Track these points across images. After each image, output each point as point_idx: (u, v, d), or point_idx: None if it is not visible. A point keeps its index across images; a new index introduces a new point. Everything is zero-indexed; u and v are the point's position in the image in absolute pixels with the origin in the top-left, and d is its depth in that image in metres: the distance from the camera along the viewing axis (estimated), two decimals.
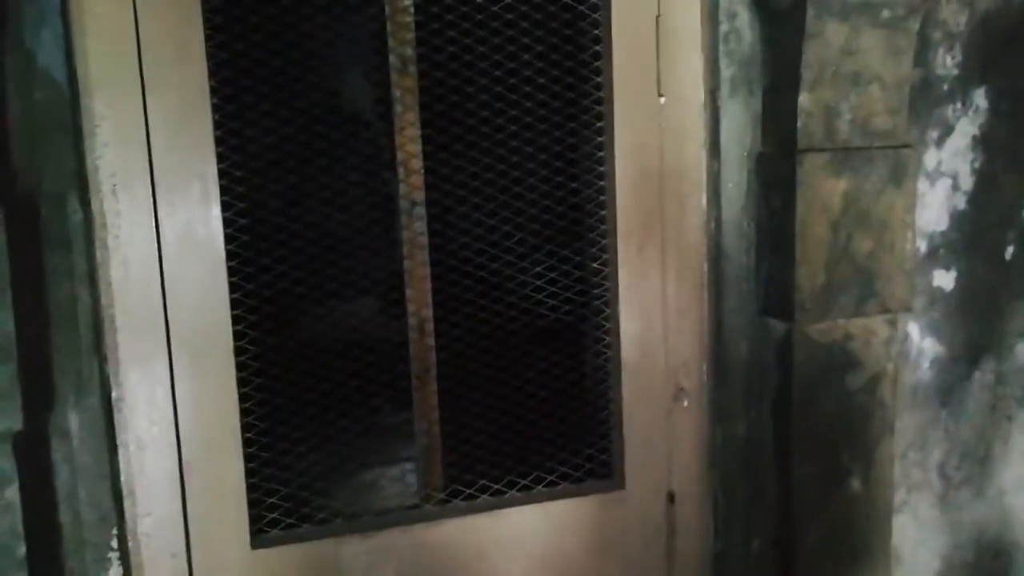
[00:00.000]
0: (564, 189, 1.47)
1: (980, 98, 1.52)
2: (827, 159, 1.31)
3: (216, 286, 1.23)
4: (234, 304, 1.25)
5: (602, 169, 1.42)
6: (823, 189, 1.31)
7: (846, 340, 1.37)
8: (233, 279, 1.25)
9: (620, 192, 1.40)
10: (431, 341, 1.40)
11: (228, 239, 1.24)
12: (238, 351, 1.25)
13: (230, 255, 1.24)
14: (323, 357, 1.43)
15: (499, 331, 1.48)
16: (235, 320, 1.25)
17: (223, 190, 1.22)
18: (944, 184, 1.52)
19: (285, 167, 1.40)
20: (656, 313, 1.44)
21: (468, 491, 1.41)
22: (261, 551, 1.26)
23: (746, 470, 1.46)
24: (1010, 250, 1.59)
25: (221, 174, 1.22)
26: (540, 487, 1.44)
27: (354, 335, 1.48)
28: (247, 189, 1.27)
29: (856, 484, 1.41)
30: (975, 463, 1.64)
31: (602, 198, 1.42)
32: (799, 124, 1.30)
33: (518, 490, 1.43)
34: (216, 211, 1.22)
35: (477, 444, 1.46)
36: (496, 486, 1.42)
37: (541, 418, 1.50)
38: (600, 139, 1.42)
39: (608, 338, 1.44)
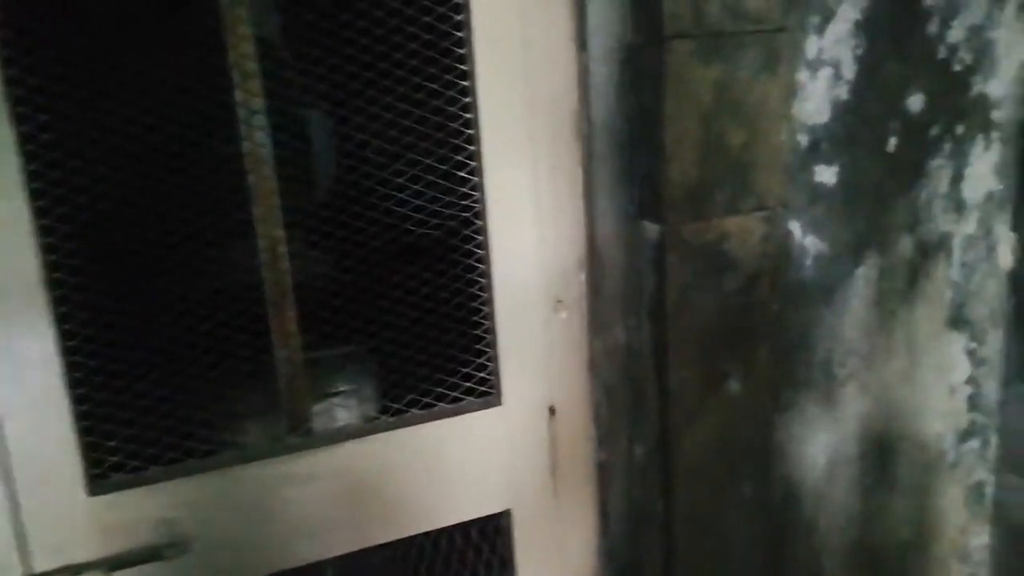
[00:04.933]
0: (423, 89, 1.34)
1: None
2: (696, 46, 1.21)
3: (15, 207, 1.08)
4: (44, 231, 1.10)
5: (464, 67, 1.30)
6: (693, 79, 1.23)
7: (721, 240, 1.32)
8: (40, 203, 1.10)
9: (483, 92, 1.29)
10: (285, 264, 1.29)
11: (28, 156, 1.08)
12: (53, 284, 1.12)
13: (32, 175, 1.09)
14: (163, 286, 1.30)
15: (362, 248, 1.38)
16: (46, 248, 1.11)
17: (17, 100, 1.06)
18: (826, 73, 1.45)
19: (92, 68, 1.23)
20: (529, 222, 1.36)
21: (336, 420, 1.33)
22: (101, 497, 1.17)
23: (626, 379, 1.42)
24: (892, 141, 1.55)
25: (8, 80, 1.05)
26: (415, 410, 1.37)
27: (198, 260, 1.35)
28: (47, 99, 1.11)
29: (735, 387, 1.39)
30: (860, 359, 1.65)
31: (466, 99, 1.31)
32: (665, 9, 1.19)
33: (391, 415, 1.36)
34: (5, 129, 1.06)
35: (344, 369, 1.38)
36: (367, 412, 1.34)
37: (413, 338, 1.42)
38: (460, 34, 1.29)
39: (480, 251, 1.36)
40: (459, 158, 1.34)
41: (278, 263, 1.28)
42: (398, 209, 1.35)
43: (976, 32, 1.55)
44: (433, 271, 1.37)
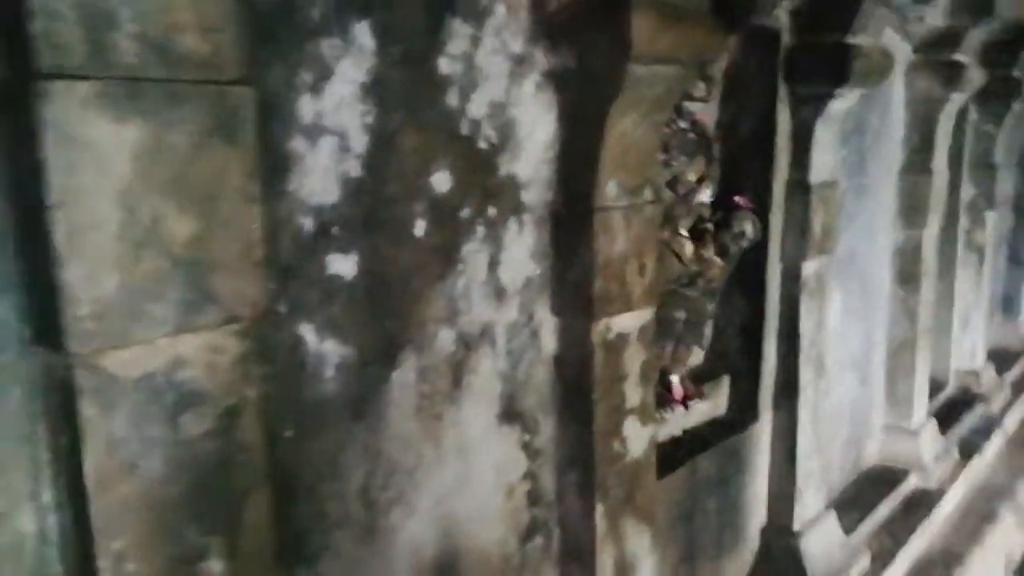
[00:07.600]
0: None
1: (364, 35, 1.20)
2: (98, 92, 0.82)
3: None
4: None
5: None
6: (98, 141, 0.83)
7: (174, 368, 0.92)
8: None
9: None
10: None
11: None
12: None
13: None
14: None
15: None
16: None
17: None
18: (329, 144, 1.18)
19: None
20: None
21: None
22: None
23: None
24: (420, 225, 1.34)
25: None
26: None
27: None
28: None
29: (218, 567, 1.00)
30: (404, 476, 1.39)
31: None
32: (38, 30, 0.78)
33: None
34: None
35: None
36: None
37: None
38: None
39: None
40: None
41: None
42: None
43: (498, 109, 1.44)
44: None
